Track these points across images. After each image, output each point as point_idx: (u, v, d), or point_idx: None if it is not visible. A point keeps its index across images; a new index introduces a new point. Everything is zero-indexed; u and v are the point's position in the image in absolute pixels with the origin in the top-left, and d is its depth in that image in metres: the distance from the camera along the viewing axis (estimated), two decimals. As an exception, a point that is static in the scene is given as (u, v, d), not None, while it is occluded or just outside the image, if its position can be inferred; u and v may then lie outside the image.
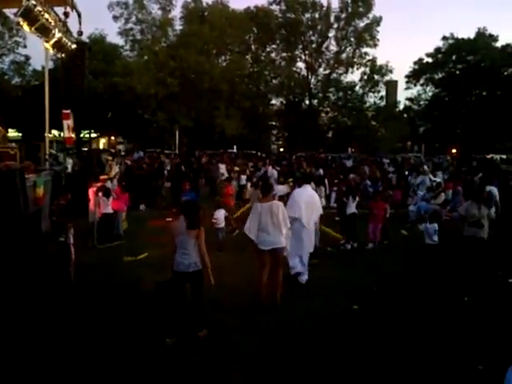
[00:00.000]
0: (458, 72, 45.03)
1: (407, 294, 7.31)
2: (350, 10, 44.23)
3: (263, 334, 5.77)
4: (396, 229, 12.25)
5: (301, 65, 47.51)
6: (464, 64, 44.27)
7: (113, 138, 47.28)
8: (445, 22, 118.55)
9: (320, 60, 46.82)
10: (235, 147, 44.35)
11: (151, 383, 4.69)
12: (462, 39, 43.94)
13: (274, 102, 48.93)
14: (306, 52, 46.48)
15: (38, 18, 10.41)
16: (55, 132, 27.22)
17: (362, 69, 45.59)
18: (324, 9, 44.87)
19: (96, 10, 43.51)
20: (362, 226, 10.81)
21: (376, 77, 45.56)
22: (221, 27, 39.77)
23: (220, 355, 5.18)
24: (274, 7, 45.33)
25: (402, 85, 51.09)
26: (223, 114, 39.05)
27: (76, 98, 15.07)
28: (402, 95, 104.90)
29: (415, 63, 47.08)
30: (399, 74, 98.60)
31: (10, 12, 15.47)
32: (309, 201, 7.88)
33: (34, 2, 9.82)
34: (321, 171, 19.07)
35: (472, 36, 43.70)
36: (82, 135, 33.46)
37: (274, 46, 46.97)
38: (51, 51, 13.15)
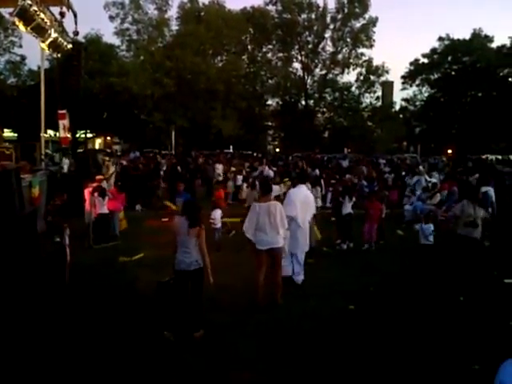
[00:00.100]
0: (453, 73, 45.16)
1: (403, 294, 7.32)
2: (346, 10, 44.42)
3: (260, 333, 5.77)
4: (392, 229, 12.28)
5: (297, 65, 47.82)
6: (460, 65, 44.42)
7: (109, 138, 47.18)
8: (441, 23, 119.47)
9: (316, 60, 46.99)
10: (231, 147, 44.37)
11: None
12: (458, 40, 44.08)
13: (270, 102, 49.26)
14: (302, 52, 46.62)
15: (33, 17, 10.39)
16: (51, 132, 27.17)
17: (358, 69, 45.93)
18: (320, 9, 45.11)
19: (92, 10, 43.60)
20: (358, 227, 10.83)
21: (372, 77, 45.81)
22: (217, 27, 39.80)
23: (217, 355, 5.18)
24: (271, 8, 45.60)
25: (397, 85, 51.39)
26: (219, 114, 39.07)
27: (72, 98, 15.05)
28: (398, 96, 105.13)
29: (411, 64, 47.22)
30: (395, 75, 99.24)
31: (5, 12, 15.44)
32: (304, 200, 7.89)
33: (29, 2, 9.80)
34: (317, 171, 19.12)
35: (468, 37, 43.90)
36: (77, 135, 33.54)
37: (270, 47, 47.16)
38: (47, 51, 13.13)
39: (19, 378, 4.69)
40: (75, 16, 13.88)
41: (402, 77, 47.72)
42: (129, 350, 5.24)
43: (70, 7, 12.91)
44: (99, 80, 35.26)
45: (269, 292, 6.73)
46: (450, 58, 44.99)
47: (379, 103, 48.59)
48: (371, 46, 44.87)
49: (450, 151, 44.98)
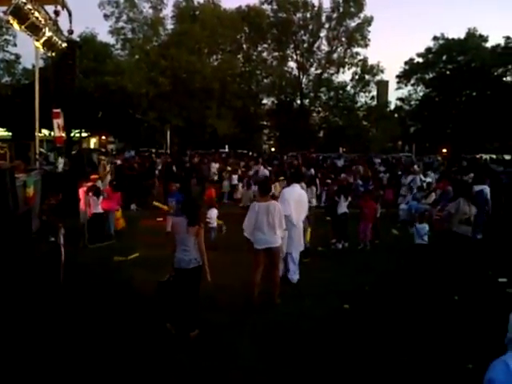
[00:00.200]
0: (448, 72, 45.23)
1: (398, 294, 7.35)
2: (341, 9, 44.36)
3: (257, 333, 5.78)
4: (387, 228, 12.31)
5: (292, 64, 47.70)
6: (454, 64, 44.48)
7: (103, 137, 46.99)
8: (435, 23, 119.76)
9: (311, 60, 46.96)
10: (227, 147, 44.30)
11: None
12: (453, 39, 44.14)
13: (265, 101, 49.06)
14: (298, 52, 46.58)
15: (27, 16, 10.30)
16: (45, 131, 27.01)
17: (354, 69, 45.83)
18: (315, 9, 45.03)
19: (87, 8, 43.33)
20: (354, 226, 10.85)
21: (367, 77, 45.80)
22: (212, 26, 39.68)
23: (212, 355, 5.18)
24: (266, 7, 45.43)
25: (392, 85, 51.58)
26: (215, 113, 38.99)
27: (66, 97, 14.94)
28: (393, 95, 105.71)
29: (406, 63, 47.22)
30: (390, 74, 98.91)
31: (-1, 10, 15.32)
32: (298, 199, 7.90)
33: (23, 0, 9.73)
34: (312, 171, 19.14)
35: (462, 36, 43.96)
36: (72, 134, 33.43)
37: (265, 46, 47.04)
38: (41, 50, 13.04)
39: (15, 377, 4.67)
40: (70, 15, 13.77)
41: (397, 76, 47.77)
42: (124, 350, 5.23)
43: (64, 6, 12.80)
44: (94, 79, 35.10)
45: (266, 291, 6.74)
46: (444, 58, 45.03)
47: (374, 103, 48.65)
48: (366, 46, 44.88)
49: (444, 150, 45.09)
